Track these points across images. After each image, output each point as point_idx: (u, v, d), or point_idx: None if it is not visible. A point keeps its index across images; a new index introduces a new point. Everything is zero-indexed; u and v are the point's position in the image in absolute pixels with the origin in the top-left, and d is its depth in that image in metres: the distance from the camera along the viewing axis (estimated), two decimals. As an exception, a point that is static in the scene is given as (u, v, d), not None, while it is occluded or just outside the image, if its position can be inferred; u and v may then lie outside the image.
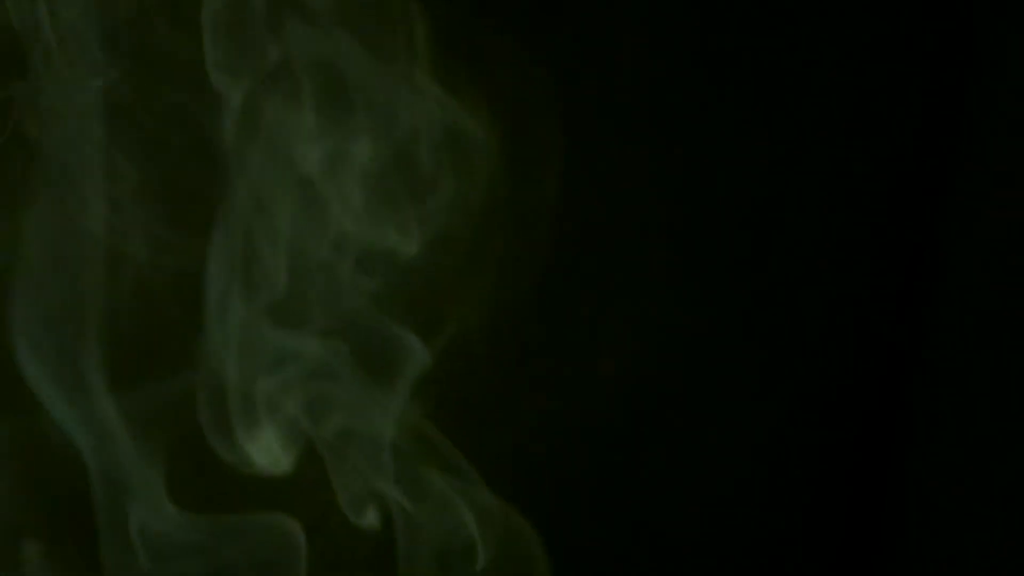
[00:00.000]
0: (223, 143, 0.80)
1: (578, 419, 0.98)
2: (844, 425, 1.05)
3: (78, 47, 0.77)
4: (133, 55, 0.79)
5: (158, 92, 0.81)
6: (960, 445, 1.01)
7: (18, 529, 0.83)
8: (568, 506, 1.00)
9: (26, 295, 0.77)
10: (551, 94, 0.93)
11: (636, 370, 0.99)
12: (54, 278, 0.78)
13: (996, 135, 1.00)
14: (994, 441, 0.99)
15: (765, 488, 1.04)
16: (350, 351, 0.83)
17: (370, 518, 0.83)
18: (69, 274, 0.78)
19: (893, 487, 1.04)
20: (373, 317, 0.84)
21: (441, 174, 0.85)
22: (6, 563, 0.83)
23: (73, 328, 0.78)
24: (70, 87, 0.77)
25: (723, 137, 0.99)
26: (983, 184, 1.01)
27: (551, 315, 0.97)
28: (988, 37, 1.00)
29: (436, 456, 0.84)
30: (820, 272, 1.02)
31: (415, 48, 0.83)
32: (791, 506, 1.05)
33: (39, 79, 0.77)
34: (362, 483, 0.83)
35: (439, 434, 0.84)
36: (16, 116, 0.77)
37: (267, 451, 0.81)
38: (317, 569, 0.82)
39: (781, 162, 1.00)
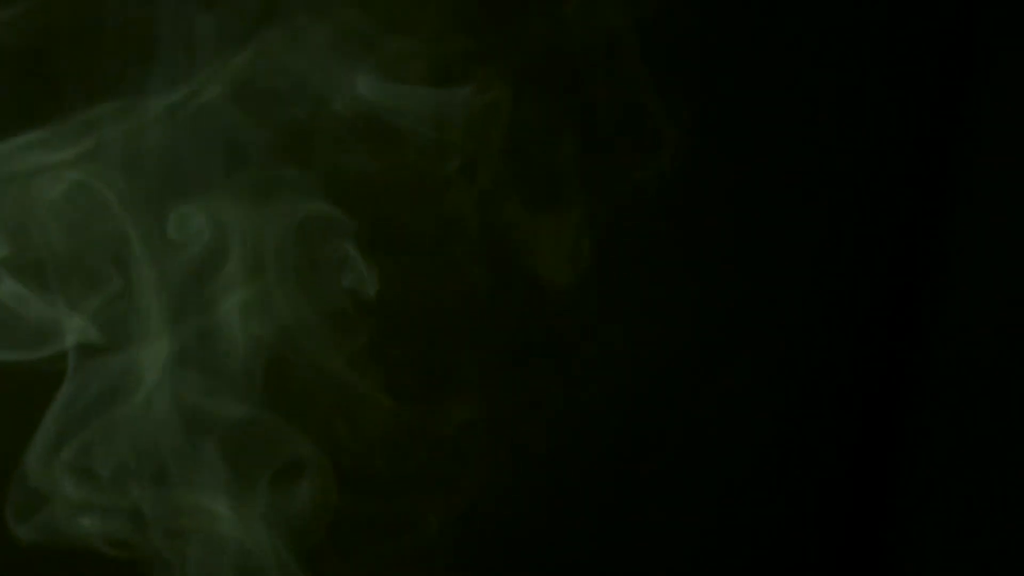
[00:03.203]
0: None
1: (577, 419, 0.98)
2: (844, 425, 1.05)
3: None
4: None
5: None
6: (960, 445, 1.01)
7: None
8: (567, 506, 1.00)
9: None
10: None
11: (636, 370, 0.99)
12: None
13: (996, 135, 1.00)
14: (994, 441, 0.99)
15: (765, 488, 1.04)
16: None
17: None
18: None
19: (893, 487, 1.04)
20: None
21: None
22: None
23: None
24: None
25: (722, 137, 0.99)
26: (983, 184, 1.01)
27: (551, 314, 0.97)
28: (988, 37, 1.00)
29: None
30: (820, 271, 1.02)
31: None
32: (791, 506, 1.05)
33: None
34: None
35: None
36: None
37: None
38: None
39: (781, 162, 1.00)
